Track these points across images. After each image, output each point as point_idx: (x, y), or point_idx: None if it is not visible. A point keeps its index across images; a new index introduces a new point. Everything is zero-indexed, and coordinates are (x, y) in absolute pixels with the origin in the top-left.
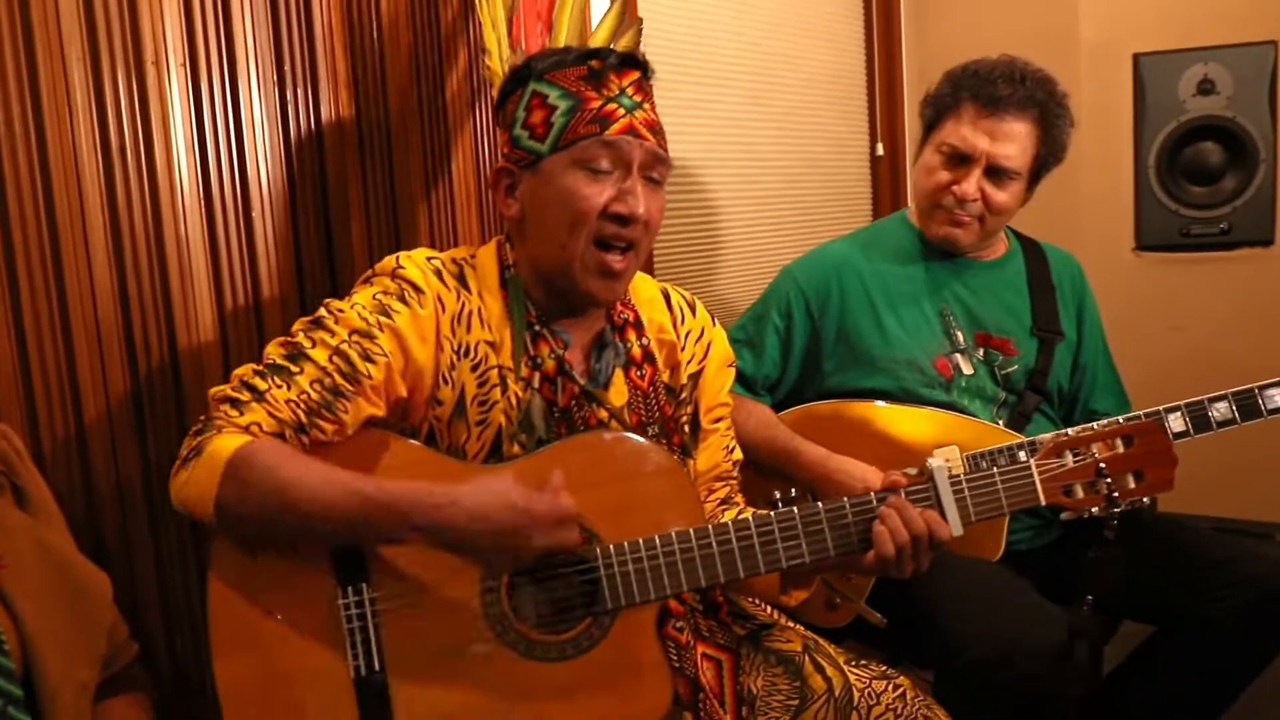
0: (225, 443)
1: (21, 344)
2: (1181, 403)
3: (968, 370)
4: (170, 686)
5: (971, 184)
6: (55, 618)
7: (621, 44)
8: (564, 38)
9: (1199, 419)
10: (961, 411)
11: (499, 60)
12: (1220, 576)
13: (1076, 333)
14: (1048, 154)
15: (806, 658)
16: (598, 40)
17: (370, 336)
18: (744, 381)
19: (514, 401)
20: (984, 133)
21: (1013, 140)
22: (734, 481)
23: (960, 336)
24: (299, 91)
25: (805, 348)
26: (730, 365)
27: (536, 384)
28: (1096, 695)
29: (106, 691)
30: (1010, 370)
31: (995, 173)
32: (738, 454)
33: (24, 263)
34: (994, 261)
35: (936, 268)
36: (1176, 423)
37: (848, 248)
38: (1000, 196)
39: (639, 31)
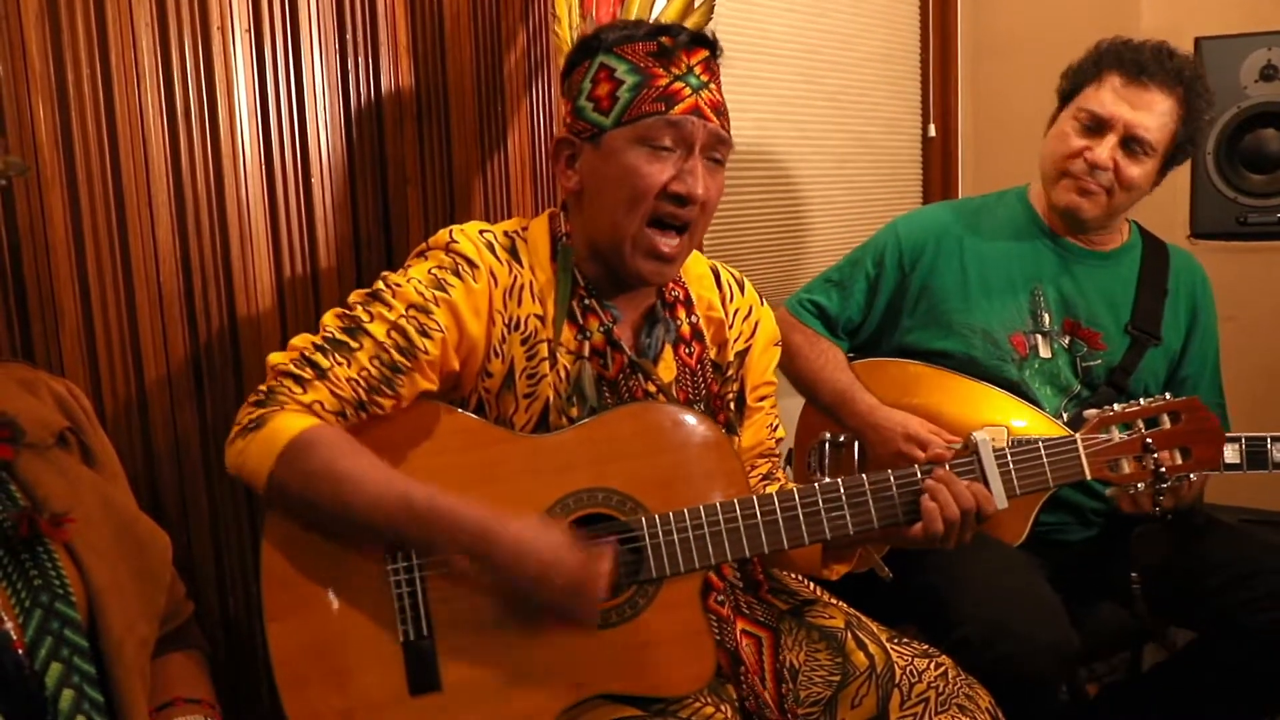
0: (288, 422)
1: (86, 305)
2: (1241, 435)
3: (1045, 353)
4: (222, 646)
5: (1105, 151)
6: (120, 572)
7: (691, 21)
8: (636, 10)
9: (1257, 456)
10: (1025, 392)
11: (568, 28)
12: (1264, 585)
13: (1182, 343)
14: (1185, 139)
15: (849, 634)
16: (669, 15)
17: (427, 312)
18: (826, 320)
19: (562, 375)
20: (1125, 100)
21: (1153, 113)
22: (776, 458)
23: (1047, 319)
24: (360, 60)
25: (890, 299)
26: (777, 344)
27: (586, 353)
28: (1134, 698)
29: (163, 648)
30: (1093, 364)
31: (1131, 144)
32: (781, 431)
33: (90, 225)
34: (1108, 253)
35: (1044, 250)
36: (1230, 455)
37: (955, 215)
38: (1133, 170)
39: (710, 10)
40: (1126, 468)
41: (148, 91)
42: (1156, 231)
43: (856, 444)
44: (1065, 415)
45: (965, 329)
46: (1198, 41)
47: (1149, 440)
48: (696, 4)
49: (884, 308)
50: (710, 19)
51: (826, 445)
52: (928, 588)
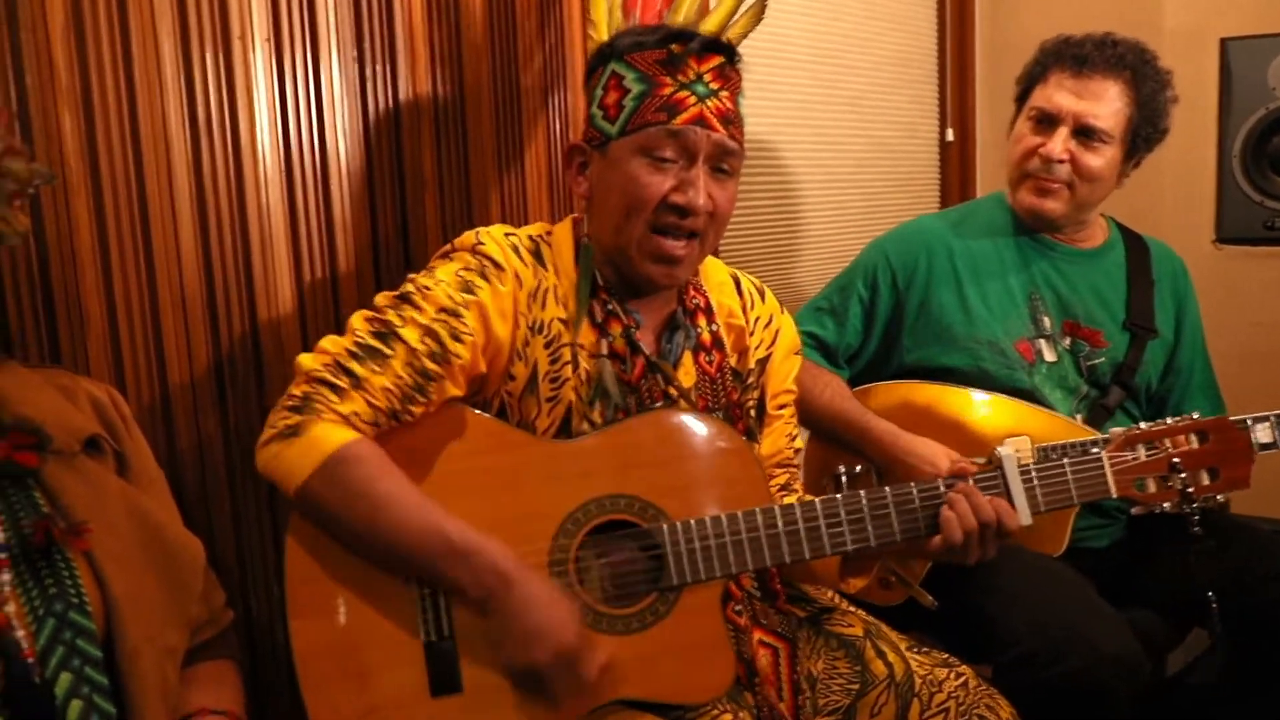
0: (329, 433)
1: (111, 310)
2: (1270, 413)
3: (1050, 357)
4: (244, 646)
5: (1058, 143)
6: (144, 581)
7: (738, 27)
8: (684, 12)
9: None
10: (1040, 399)
11: (605, 31)
12: None
13: (1174, 333)
14: (1142, 120)
15: (868, 643)
16: (714, 18)
17: (457, 315)
18: (825, 350)
19: (584, 377)
20: (1069, 92)
21: (1100, 99)
22: (794, 469)
23: (1047, 322)
24: (378, 67)
25: (888, 321)
26: (797, 353)
27: (605, 351)
28: (1158, 702)
29: (197, 656)
30: (1097, 362)
31: (1084, 133)
32: (799, 441)
33: (114, 231)
34: (1091, 250)
35: (1028, 247)
36: (1263, 434)
37: (939, 223)
38: (1090, 160)
39: (760, 14)
40: (1152, 487)
41: (170, 100)
42: (1182, 236)
43: (875, 473)
44: (1078, 417)
45: (971, 342)
46: (1223, 42)
47: (1175, 460)
48: (744, 7)
49: (882, 330)
50: (757, 23)
51: (843, 479)
52: (972, 605)
